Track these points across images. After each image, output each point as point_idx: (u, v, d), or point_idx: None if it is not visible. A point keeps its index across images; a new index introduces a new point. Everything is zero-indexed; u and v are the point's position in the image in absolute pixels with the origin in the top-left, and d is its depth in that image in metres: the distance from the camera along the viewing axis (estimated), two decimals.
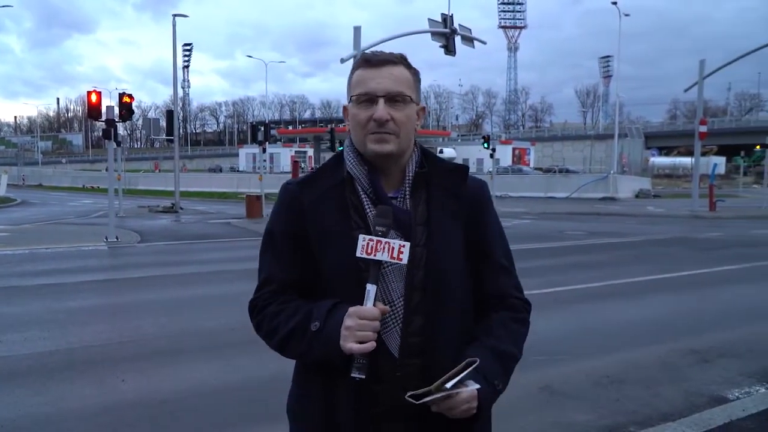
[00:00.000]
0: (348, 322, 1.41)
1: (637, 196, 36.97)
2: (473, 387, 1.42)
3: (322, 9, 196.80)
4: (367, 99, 1.50)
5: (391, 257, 1.43)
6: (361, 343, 1.39)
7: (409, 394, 1.40)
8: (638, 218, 22.97)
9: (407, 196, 1.55)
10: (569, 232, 17.40)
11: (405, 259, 1.43)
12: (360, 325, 1.39)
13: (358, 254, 1.43)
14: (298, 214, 1.54)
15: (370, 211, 1.51)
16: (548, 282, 9.27)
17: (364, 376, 1.40)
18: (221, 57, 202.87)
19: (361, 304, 1.42)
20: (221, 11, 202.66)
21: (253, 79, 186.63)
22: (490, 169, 29.49)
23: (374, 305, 1.42)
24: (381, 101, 1.48)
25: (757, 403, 4.50)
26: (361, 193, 1.53)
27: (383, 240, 1.43)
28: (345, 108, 1.60)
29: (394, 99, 1.49)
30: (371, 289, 1.42)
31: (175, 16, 28.20)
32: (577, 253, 13.34)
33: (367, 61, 1.53)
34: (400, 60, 1.55)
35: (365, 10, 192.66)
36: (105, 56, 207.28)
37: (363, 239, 1.43)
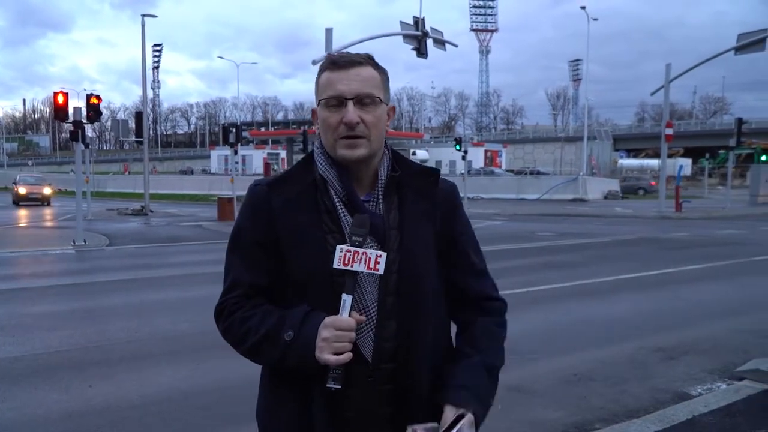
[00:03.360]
0: (324, 333, 1.38)
1: (606, 198, 37.56)
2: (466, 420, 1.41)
3: (303, 9, 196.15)
4: (336, 102, 1.47)
5: (368, 268, 1.41)
6: (337, 354, 1.37)
7: None
8: (607, 219, 23.34)
9: (380, 200, 1.53)
10: (540, 233, 17.61)
11: (382, 269, 1.42)
12: (337, 336, 1.38)
13: (335, 265, 1.41)
14: (267, 217, 1.51)
15: (344, 215, 1.48)
16: (519, 282, 9.37)
17: (340, 386, 1.38)
18: (198, 57, 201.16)
19: (334, 311, 1.41)
20: (200, 10, 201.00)
21: (229, 79, 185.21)
22: (463, 171, 29.65)
23: (350, 315, 1.40)
24: (350, 104, 1.46)
25: (718, 399, 4.62)
26: (334, 196, 1.50)
27: (360, 250, 1.41)
28: (314, 111, 1.57)
29: (363, 101, 1.47)
30: (347, 299, 1.41)
31: (144, 16, 27.87)
32: (548, 253, 13.50)
33: (334, 62, 1.50)
34: (367, 60, 1.52)
35: (344, 11, 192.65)
36: (79, 56, 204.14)
37: (341, 250, 1.41)
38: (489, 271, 1.69)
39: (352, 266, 1.41)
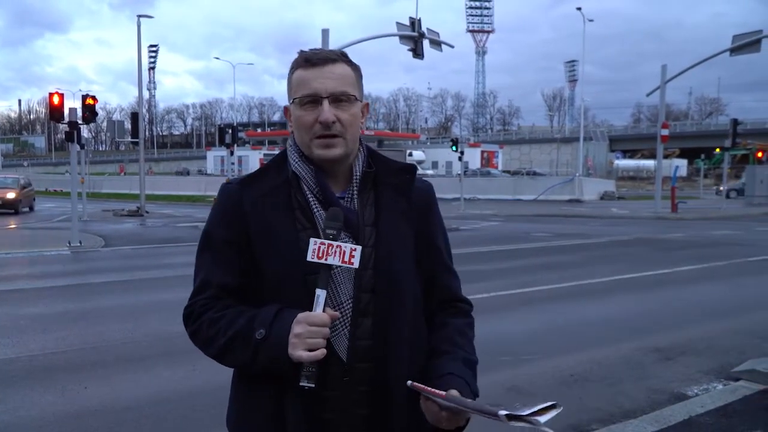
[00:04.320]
0: (297, 329, 1.35)
1: (602, 198, 37.64)
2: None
3: (302, 10, 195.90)
4: (311, 101, 1.45)
5: (343, 261, 1.38)
6: (311, 350, 1.33)
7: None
8: (603, 220, 23.38)
9: (355, 197, 1.51)
10: (536, 234, 17.62)
11: (356, 263, 1.39)
12: (310, 332, 1.34)
13: (309, 258, 1.37)
14: (239, 217, 1.48)
15: (318, 211, 1.46)
16: (516, 283, 9.37)
17: (313, 385, 1.35)
18: (196, 58, 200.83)
19: (309, 309, 1.37)
20: (199, 11, 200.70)
21: (227, 80, 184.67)
22: (459, 172, 29.67)
23: (324, 311, 1.37)
24: (326, 102, 1.44)
25: (715, 400, 4.63)
26: (308, 193, 1.48)
27: (334, 244, 1.38)
28: (286, 109, 1.55)
29: (338, 99, 1.45)
30: (321, 294, 1.37)
31: (139, 16, 27.82)
32: (544, 254, 13.51)
33: (308, 60, 1.48)
34: (341, 57, 1.50)
35: (343, 12, 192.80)
36: (77, 57, 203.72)
37: (314, 243, 1.38)
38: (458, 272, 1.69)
39: (326, 260, 1.37)
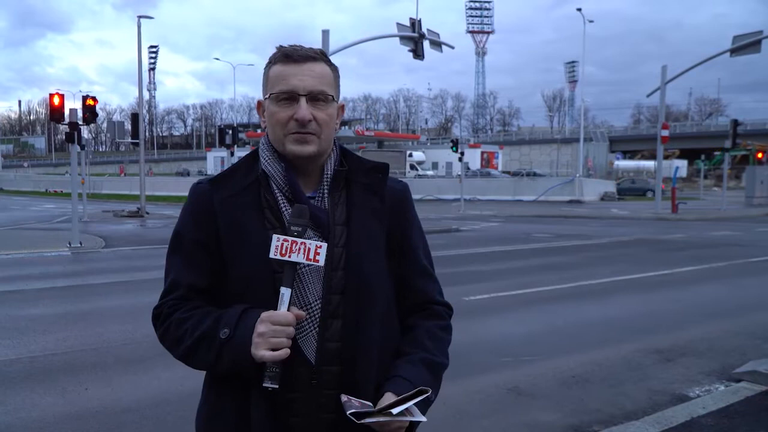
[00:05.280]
0: (261, 328, 1.32)
1: (602, 199, 37.64)
2: (420, 418, 1.34)
3: (303, 10, 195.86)
4: (288, 97, 1.43)
5: (307, 258, 1.35)
6: (274, 350, 1.30)
7: (350, 412, 1.31)
8: (603, 220, 23.37)
9: (325, 196, 1.48)
10: (536, 235, 17.61)
11: (322, 260, 1.36)
12: (273, 331, 1.31)
13: (271, 255, 1.35)
14: (208, 216, 1.46)
15: (286, 210, 1.44)
16: (516, 284, 9.36)
17: (277, 386, 1.32)
18: (198, 59, 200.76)
19: (276, 309, 1.35)
20: (201, 12, 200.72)
21: (228, 81, 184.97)
22: (459, 173, 29.67)
23: (289, 310, 1.34)
24: (303, 100, 1.42)
25: (716, 401, 4.62)
26: (277, 191, 1.46)
27: (299, 240, 1.35)
28: (259, 103, 1.52)
29: (316, 98, 1.43)
30: (285, 292, 1.35)
31: (140, 17, 27.80)
32: (544, 255, 13.51)
33: (288, 56, 1.45)
34: (321, 56, 1.48)
35: (344, 13, 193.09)
36: (78, 57, 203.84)
37: (277, 239, 1.35)
38: (436, 275, 1.66)
39: (289, 257, 1.35)
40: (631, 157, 70.74)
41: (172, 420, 4.39)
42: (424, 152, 62.02)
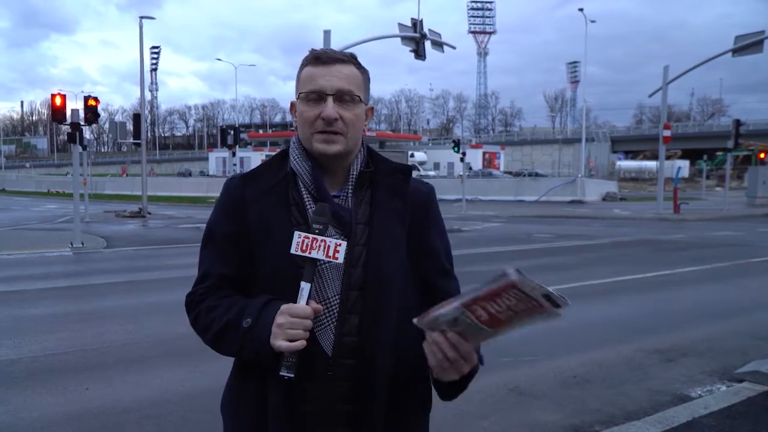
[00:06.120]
0: (279, 319, 1.38)
1: (604, 199, 37.56)
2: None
3: (307, 11, 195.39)
4: (316, 96, 1.48)
5: (327, 256, 1.40)
6: (291, 341, 1.37)
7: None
8: (605, 221, 23.34)
9: (350, 195, 1.53)
10: (538, 235, 17.60)
11: (341, 258, 1.41)
12: (291, 323, 1.37)
13: (292, 251, 1.40)
14: (240, 210, 1.52)
15: (311, 207, 1.49)
16: None
17: (292, 375, 1.38)
18: (201, 59, 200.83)
19: (296, 302, 1.41)
20: (205, 13, 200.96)
21: (231, 81, 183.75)
22: (461, 173, 29.65)
23: (308, 304, 1.40)
24: (330, 99, 1.47)
25: (718, 401, 4.61)
26: (303, 189, 1.51)
27: (319, 238, 1.41)
28: (292, 104, 1.58)
29: (343, 98, 1.48)
30: (305, 287, 1.41)
31: (141, 18, 27.84)
32: (546, 255, 13.50)
33: (317, 58, 1.51)
34: (351, 59, 1.54)
35: (348, 13, 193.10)
36: (82, 58, 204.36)
37: (298, 236, 1.41)
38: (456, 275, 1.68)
39: (309, 253, 1.40)
40: (633, 158, 70.72)
41: (172, 420, 4.39)
42: (425, 152, 61.97)
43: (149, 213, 26.10)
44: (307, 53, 1.55)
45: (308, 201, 1.51)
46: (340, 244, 1.41)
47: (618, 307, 8.27)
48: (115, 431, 4.21)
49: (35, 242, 15.69)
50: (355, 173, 1.55)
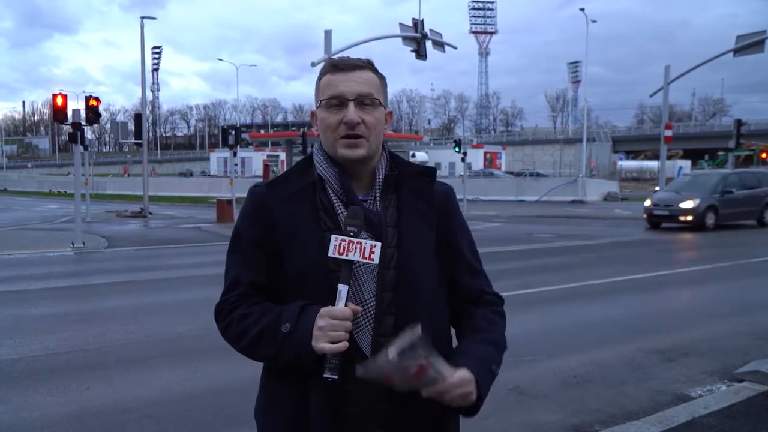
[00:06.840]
0: (320, 322, 1.40)
1: (605, 199, 37.55)
2: (465, 373, 1.42)
3: (310, 11, 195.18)
4: (338, 102, 1.51)
5: (363, 257, 1.44)
6: (333, 343, 1.39)
7: (359, 371, 1.37)
8: (606, 221, 23.31)
9: (377, 199, 1.56)
10: (539, 235, 17.60)
11: (376, 259, 1.44)
12: (332, 325, 1.39)
13: (330, 254, 1.43)
14: (267, 218, 1.54)
15: (342, 212, 1.51)
16: (518, 284, 9.35)
17: (336, 377, 1.40)
18: (204, 59, 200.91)
19: (332, 305, 1.42)
20: (208, 13, 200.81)
21: (233, 81, 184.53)
22: (462, 173, 29.65)
23: (346, 305, 1.42)
24: (351, 104, 1.50)
25: (718, 401, 4.61)
26: (332, 195, 1.54)
27: (355, 240, 1.44)
28: (313, 113, 1.61)
29: (363, 102, 1.51)
30: (343, 289, 1.43)
31: (143, 18, 27.88)
32: (546, 255, 13.50)
33: (335, 66, 1.55)
34: (368, 65, 1.57)
35: (350, 13, 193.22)
36: (84, 58, 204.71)
37: (335, 239, 1.44)
38: (485, 272, 1.72)
39: (346, 255, 1.43)
40: (635, 158, 70.69)
41: (173, 419, 4.40)
42: (427, 152, 61.94)
43: (150, 213, 26.12)
44: (315, 60, 1.61)
45: (338, 205, 1.53)
46: (375, 246, 1.45)
47: (618, 307, 8.27)
48: (115, 431, 4.22)
49: (36, 242, 15.71)
50: (381, 177, 1.58)
